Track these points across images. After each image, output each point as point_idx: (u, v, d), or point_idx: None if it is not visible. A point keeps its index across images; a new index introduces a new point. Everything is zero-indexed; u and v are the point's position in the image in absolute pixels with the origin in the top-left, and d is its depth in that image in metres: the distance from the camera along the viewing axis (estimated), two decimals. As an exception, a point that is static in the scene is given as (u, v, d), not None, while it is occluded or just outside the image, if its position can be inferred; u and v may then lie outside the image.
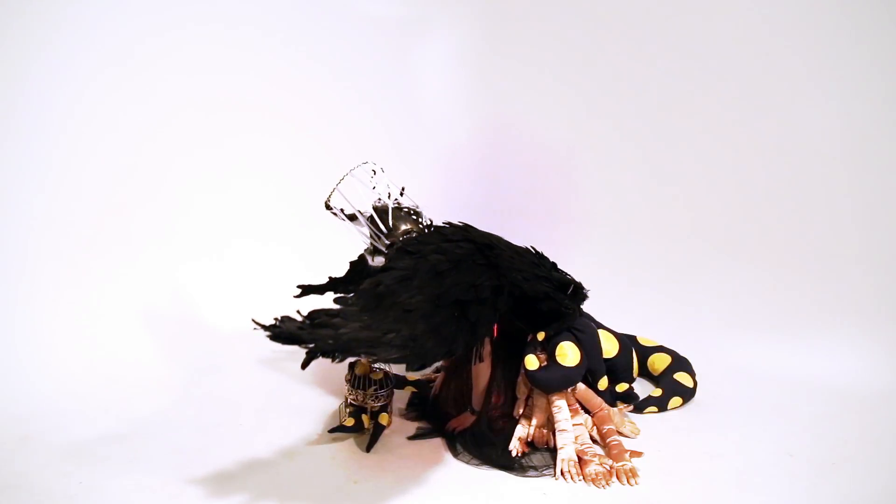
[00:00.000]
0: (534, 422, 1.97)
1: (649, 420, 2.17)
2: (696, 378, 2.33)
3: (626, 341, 2.34)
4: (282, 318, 1.46)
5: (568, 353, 1.93)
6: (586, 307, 2.25)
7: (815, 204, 2.80)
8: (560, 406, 1.94)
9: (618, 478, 1.83)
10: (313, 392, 2.27)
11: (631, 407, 2.19)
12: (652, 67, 3.14)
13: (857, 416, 2.18)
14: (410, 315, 1.58)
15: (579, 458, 1.89)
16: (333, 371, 2.22)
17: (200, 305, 2.92)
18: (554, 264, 2.01)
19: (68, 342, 2.52)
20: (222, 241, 3.19)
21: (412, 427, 2.10)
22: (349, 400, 2.04)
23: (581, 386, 2.02)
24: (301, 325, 1.45)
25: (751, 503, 1.76)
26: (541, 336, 1.96)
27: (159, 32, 2.92)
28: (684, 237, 3.11)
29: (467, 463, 1.91)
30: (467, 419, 2.02)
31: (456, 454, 1.94)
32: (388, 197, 1.94)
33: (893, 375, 2.39)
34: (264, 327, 1.44)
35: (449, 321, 1.63)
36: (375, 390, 2.01)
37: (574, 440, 1.92)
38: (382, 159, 2.28)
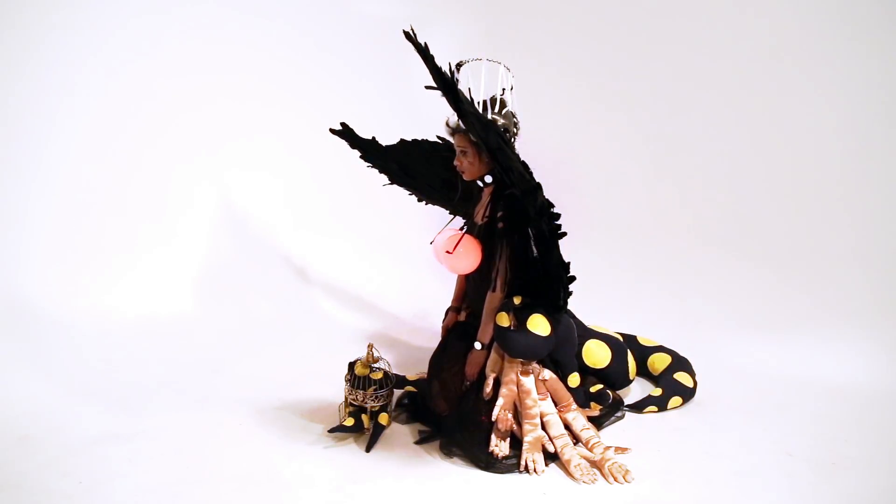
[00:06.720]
0: (500, 402, 1.95)
1: (649, 420, 2.17)
2: (696, 378, 2.32)
3: (622, 347, 2.32)
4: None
5: (539, 324, 1.93)
6: (584, 308, 2.25)
7: (815, 204, 2.81)
8: (529, 389, 1.95)
9: (613, 476, 1.83)
10: (313, 392, 2.27)
11: (597, 411, 2.15)
12: (652, 68, 3.14)
13: (857, 416, 2.18)
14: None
15: (559, 456, 1.89)
16: (333, 371, 2.22)
17: (198, 306, 2.93)
18: None
19: (67, 342, 2.53)
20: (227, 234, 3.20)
21: (411, 427, 2.10)
22: (349, 400, 2.04)
23: (551, 375, 2.02)
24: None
25: (750, 503, 1.76)
26: (517, 300, 1.97)
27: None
28: (685, 237, 3.11)
29: (453, 463, 1.91)
30: (478, 357, 2.03)
31: (449, 455, 1.94)
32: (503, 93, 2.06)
33: (893, 375, 2.40)
34: (429, 62, 1.70)
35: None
36: (375, 390, 2.01)
37: (540, 426, 1.93)
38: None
